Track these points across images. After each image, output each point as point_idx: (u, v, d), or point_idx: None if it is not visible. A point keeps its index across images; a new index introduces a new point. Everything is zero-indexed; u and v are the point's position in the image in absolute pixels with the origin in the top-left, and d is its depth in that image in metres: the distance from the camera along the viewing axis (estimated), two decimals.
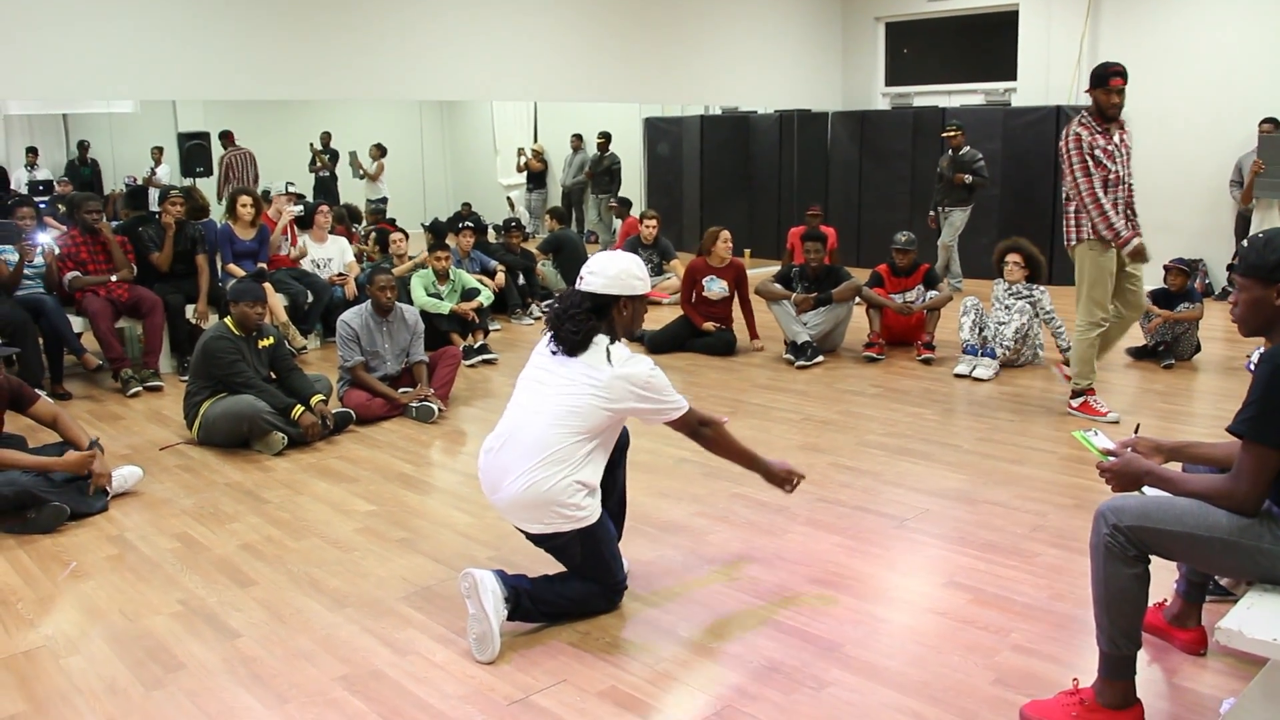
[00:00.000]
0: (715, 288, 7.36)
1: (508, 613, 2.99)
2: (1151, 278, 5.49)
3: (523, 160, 14.29)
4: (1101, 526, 2.43)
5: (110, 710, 2.72)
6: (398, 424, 5.57)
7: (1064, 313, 6.85)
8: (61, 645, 3.09)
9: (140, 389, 6.26)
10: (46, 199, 9.94)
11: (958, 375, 6.40)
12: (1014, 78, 10.83)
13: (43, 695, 2.80)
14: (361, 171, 12.61)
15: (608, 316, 3.13)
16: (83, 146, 11.76)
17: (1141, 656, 2.51)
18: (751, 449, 3.37)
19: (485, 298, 7.43)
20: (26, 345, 5.78)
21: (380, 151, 12.67)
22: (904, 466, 4.67)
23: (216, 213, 8.28)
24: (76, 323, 6.45)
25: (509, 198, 14.44)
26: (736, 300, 7.38)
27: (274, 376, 5.32)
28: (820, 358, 6.87)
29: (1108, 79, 5.01)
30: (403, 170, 13.26)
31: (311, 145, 12.66)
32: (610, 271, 3.13)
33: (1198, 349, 6.74)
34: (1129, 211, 5.21)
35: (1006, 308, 6.61)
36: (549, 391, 3.09)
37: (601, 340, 3.08)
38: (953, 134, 9.39)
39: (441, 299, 7.24)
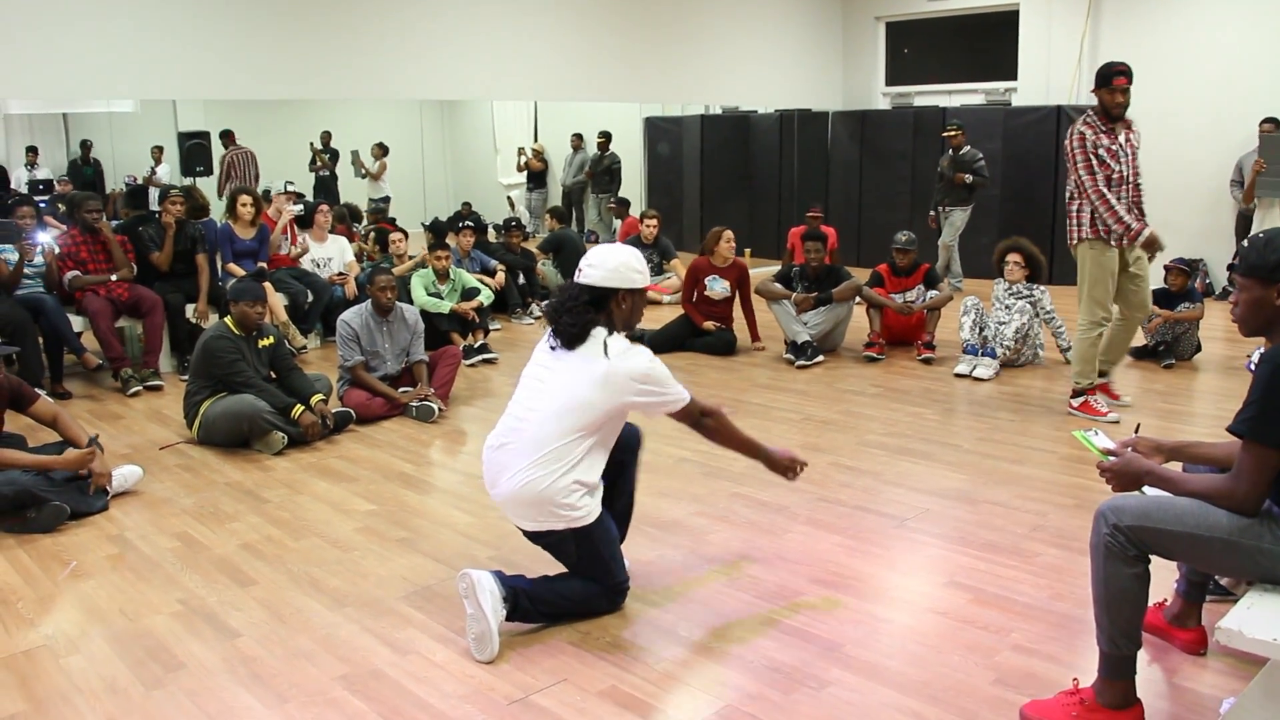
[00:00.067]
0: (717, 287, 7.36)
1: (506, 613, 2.98)
2: (1152, 278, 5.49)
3: (523, 160, 14.29)
4: (1102, 526, 2.42)
5: (110, 710, 2.72)
6: (398, 423, 5.57)
7: (1064, 312, 6.85)
8: (62, 645, 3.09)
9: (140, 388, 6.26)
10: (46, 198, 9.94)
11: (958, 375, 6.40)
12: (1014, 77, 10.83)
13: (43, 695, 2.80)
14: (364, 170, 12.61)
15: (606, 309, 3.10)
16: (85, 146, 11.76)
17: (1141, 656, 2.51)
18: (752, 437, 3.35)
19: (485, 297, 7.43)
20: (26, 344, 5.77)
21: (382, 150, 12.67)
22: (904, 466, 4.67)
23: (217, 211, 8.28)
24: (76, 322, 6.45)
25: (509, 197, 14.44)
26: (738, 301, 7.38)
27: (274, 376, 5.32)
28: (820, 357, 6.87)
29: (1111, 78, 5.01)
30: (403, 170, 13.27)
31: (312, 145, 12.66)
32: (609, 264, 3.10)
33: (1198, 349, 6.74)
34: (1137, 211, 5.20)
35: (1007, 307, 6.61)
36: (547, 389, 3.08)
37: (599, 333, 3.05)
38: (953, 134, 9.38)
39: (442, 298, 7.24)
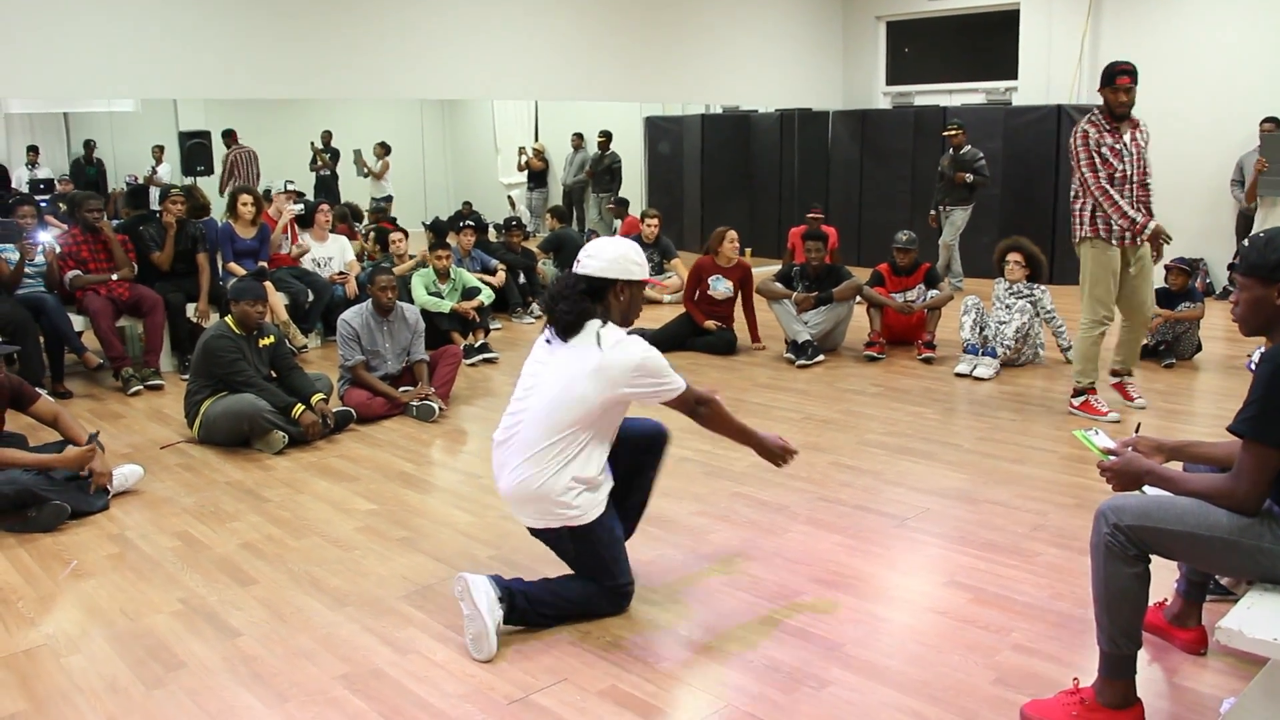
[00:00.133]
0: (720, 287, 7.36)
1: (504, 613, 2.97)
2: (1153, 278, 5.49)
3: (523, 159, 14.29)
4: (1102, 526, 2.42)
5: (111, 709, 2.72)
6: (398, 423, 5.57)
7: (1065, 312, 6.85)
8: (62, 644, 3.09)
9: (141, 388, 6.26)
10: (47, 198, 9.94)
11: (958, 374, 6.40)
12: (1015, 77, 10.83)
13: (43, 694, 2.80)
14: (366, 170, 12.62)
15: (604, 301, 3.06)
16: (89, 146, 11.77)
17: (1142, 656, 2.51)
18: (745, 424, 3.33)
19: (486, 296, 7.43)
20: (27, 344, 5.78)
21: (384, 150, 12.68)
22: (904, 466, 4.67)
23: (218, 211, 8.28)
24: (77, 321, 6.45)
25: (510, 196, 14.44)
26: (739, 301, 7.38)
27: (274, 375, 5.32)
28: (821, 357, 6.87)
29: (1115, 77, 5.02)
30: (403, 169, 13.27)
31: (312, 144, 12.66)
32: (608, 254, 3.06)
33: (1199, 348, 6.74)
34: (1144, 210, 5.19)
35: (1007, 307, 6.61)
36: (542, 383, 3.05)
37: (593, 325, 3.00)
38: (954, 133, 9.38)
39: (442, 298, 7.24)
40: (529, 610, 3.03)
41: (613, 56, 9.94)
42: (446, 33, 8.76)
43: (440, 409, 5.63)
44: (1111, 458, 2.59)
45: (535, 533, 3.16)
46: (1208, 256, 9.53)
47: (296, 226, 7.89)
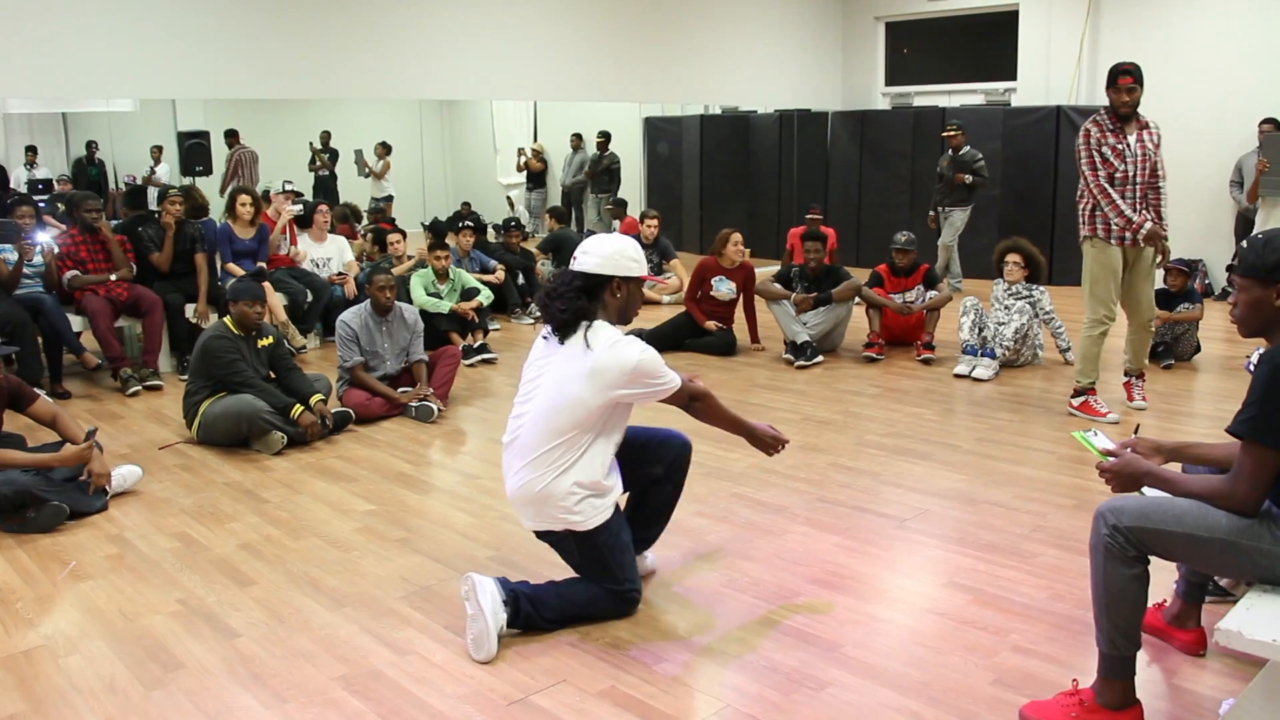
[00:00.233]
0: (723, 288, 7.36)
1: (508, 617, 2.96)
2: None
3: (522, 160, 14.30)
4: (1101, 527, 2.42)
5: (109, 710, 2.71)
6: (397, 423, 5.57)
7: (1063, 313, 6.86)
8: (61, 645, 3.09)
9: (139, 388, 6.26)
10: (46, 198, 9.95)
11: (957, 375, 6.40)
12: (1014, 78, 10.84)
13: (42, 695, 2.80)
14: (367, 170, 12.62)
15: (600, 298, 3.02)
16: (90, 147, 11.78)
17: (1141, 657, 2.51)
18: (738, 415, 3.32)
19: (485, 297, 7.43)
20: (26, 344, 5.77)
21: (385, 150, 12.69)
22: (903, 467, 4.67)
23: (217, 211, 8.28)
24: (76, 322, 6.45)
25: (509, 197, 14.46)
26: (741, 302, 7.37)
27: (273, 376, 5.32)
28: (820, 358, 6.87)
29: (1117, 78, 5.03)
30: (403, 169, 13.29)
31: (311, 144, 12.67)
32: (604, 251, 3.02)
33: (1198, 349, 6.75)
34: (1154, 213, 5.18)
35: (1006, 308, 6.61)
36: (540, 387, 3.04)
37: (591, 324, 2.98)
38: (953, 134, 9.38)
39: (441, 298, 7.24)
40: (533, 614, 3.02)
41: (612, 57, 9.94)
42: (446, 33, 8.76)
43: (439, 410, 5.63)
44: (1110, 459, 2.59)
45: (539, 535, 3.16)
46: (1206, 257, 9.54)
47: (295, 227, 7.89)
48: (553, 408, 2.97)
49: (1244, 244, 2.43)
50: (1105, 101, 5.16)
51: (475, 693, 2.76)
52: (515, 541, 3.78)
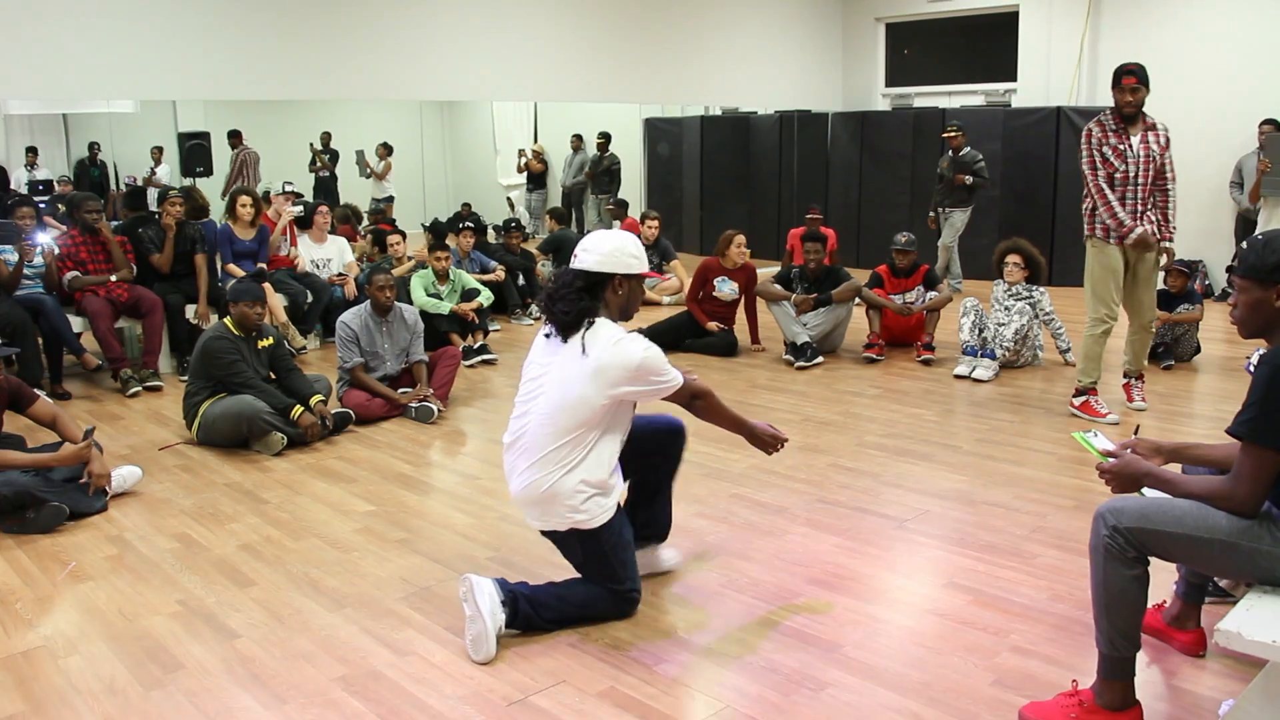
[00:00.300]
0: (726, 289, 7.36)
1: (507, 618, 2.96)
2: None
3: (523, 160, 14.30)
4: (1101, 528, 2.42)
5: (109, 710, 2.71)
6: (397, 424, 5.57)
7: (1064, 314, 6.86)
8: (60, 645, 3.09)
9: (140, 389, 6.26)
10: (46, 199, 9.96)
11: (957, 376, 6.40)
12: (1014, 78, 10.84)
13: (41, 695, 2.80)
14: (368, 170, 12.62)
15: (601, 296, 3.02)
16: (93, 148, 11.79)
17: (1140, 658, 2.51)
18: (738, 414, 3.32)
19: (485, 298, 7.43)
20: (26, 345, 5.77)
21: (386, 150, 12.69)
22: (903, 467, 4.66)
23: (217, 212, 8.29)
24: (76, 323, 6.45)
25: (509, 198, 14.46)
26: (742, 303, 7.38)
27: (273, 377, 5.32)
28: (820, 358, 6.87)
29: (1120, 78, 5.04)
30: (403, 170, 13.28)
31: (311, 145, 12.67)
32: (604, 248, 3.03)
33: (1198, 350, 6.74)
34: (1160, 215, 5.18)
35: (1006, 309, 6.61)
36: (543, 386, 3.04)
37: (593, 323, 2.98)
38: (953, 135, 9.38)
39: (441, 299, 7.24)
40: (531, 614, 3.02)
41: (612, 58, 9.94)
42: (447, 33, 8.77)
43: (439, 410, 5.63)
44: (1110, 459, 2.59)
45: (544, 534, 3.16)
46: (1206, 258, 9.53)
47: (295, 228, 7.89)
48: (558, 407, 2.98)
49: (1244, 245, 2.43)
50: (1105, 102, 5.17)
51: (475, 693, 2.76)
52: (515, 542, 3.78)
